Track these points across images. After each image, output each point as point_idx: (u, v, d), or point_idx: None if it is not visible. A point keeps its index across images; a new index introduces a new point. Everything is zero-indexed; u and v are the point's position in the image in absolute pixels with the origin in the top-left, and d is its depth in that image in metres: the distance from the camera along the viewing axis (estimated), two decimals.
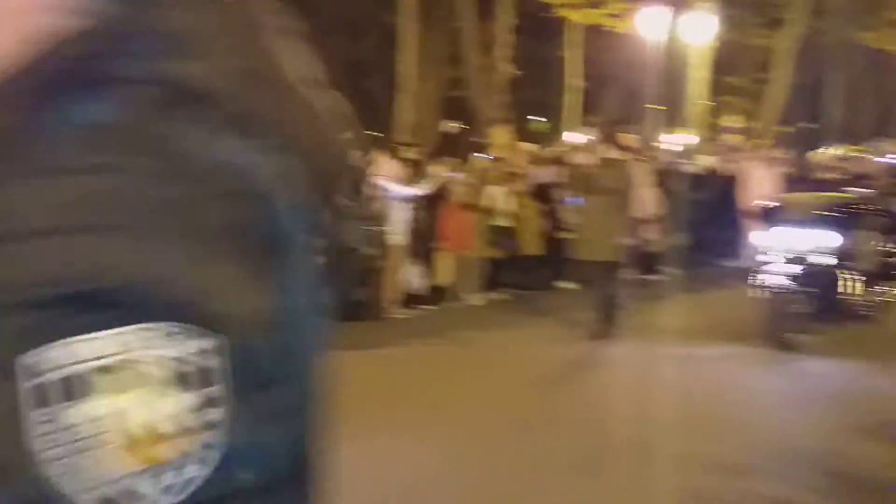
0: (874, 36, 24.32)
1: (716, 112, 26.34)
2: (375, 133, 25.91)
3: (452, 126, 25.62)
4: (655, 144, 18.16)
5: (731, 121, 21.95)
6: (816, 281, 8.40)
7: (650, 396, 6.32)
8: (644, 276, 12.95)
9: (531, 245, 11.91)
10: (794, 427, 5.83)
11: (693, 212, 13.25)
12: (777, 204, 10.23)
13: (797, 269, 8.50)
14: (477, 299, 11.24)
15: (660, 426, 5.72)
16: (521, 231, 11.84)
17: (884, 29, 24.15)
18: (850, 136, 24.45)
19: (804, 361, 7.83)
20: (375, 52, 31.59)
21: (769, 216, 9.64)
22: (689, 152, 17.77)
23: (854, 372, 7.46)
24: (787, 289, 8.40)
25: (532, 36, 27.42)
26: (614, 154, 9.72)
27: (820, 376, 7.53)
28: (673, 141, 21.86)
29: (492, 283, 11.61)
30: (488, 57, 21.80)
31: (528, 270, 12.36)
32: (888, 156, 16.57)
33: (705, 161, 15.36)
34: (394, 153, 11.51)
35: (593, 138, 12.61)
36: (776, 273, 8.58)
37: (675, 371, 7.21)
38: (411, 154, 11.80)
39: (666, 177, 13.03)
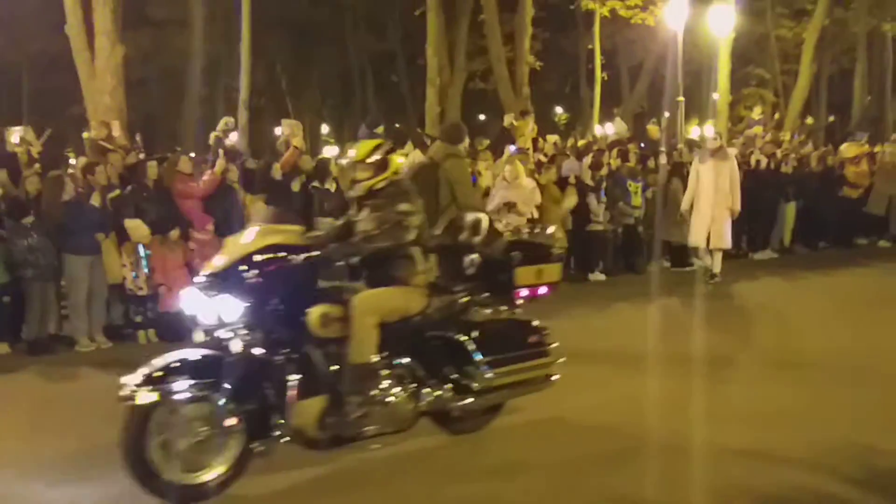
0: None
1: (738, 104, 26.28)
2: (403, 125, 26.01)
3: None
4: (681, 136, 18.19)
5: (754, 113, 21.90)
6: None
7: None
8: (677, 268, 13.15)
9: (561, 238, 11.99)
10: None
11: None
12: None
13: None
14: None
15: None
16: (548, 224, 11.91)
17: None
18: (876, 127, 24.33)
19: None
20: (401, 45, 31.79)
21: None
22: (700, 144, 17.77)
23: None
24: None
25: (556, 28, 27.47)
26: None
27: None
28: (695, 133, 21.86)
29: None
30: (512, 49, 21.85)
31: None
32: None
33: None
34: (423, 145, 11.63)
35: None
36: None
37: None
38: None
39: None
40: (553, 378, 5.52)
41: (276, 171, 9.93)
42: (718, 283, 11.65)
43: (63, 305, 9.22)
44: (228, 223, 9.21)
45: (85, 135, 11.69)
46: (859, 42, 26.66)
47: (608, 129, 17.58)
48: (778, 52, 27.82)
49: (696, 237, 11.78)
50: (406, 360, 5.07)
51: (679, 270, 13.03)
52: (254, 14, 19.40)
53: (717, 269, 11.80)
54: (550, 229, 6.11)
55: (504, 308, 5.56)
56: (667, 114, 19.57)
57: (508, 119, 13.30)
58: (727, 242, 11.81)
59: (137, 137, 12.22)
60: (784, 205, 14.93)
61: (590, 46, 26.14)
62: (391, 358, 4.98)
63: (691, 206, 11.73)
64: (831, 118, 30.49)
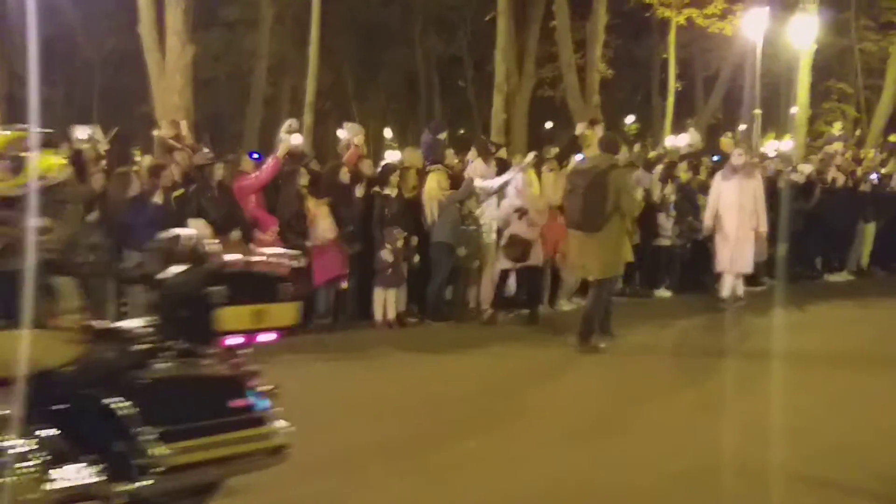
0: None
1: (818, 119, 25.43)
2: (467, 131, 25.83)
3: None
4: (760, 151, 17.62)
5: (834, 128, 21.17)
6: None
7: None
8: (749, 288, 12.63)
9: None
10: None
11: (795, 222, 12.80)
12: None
13: None
14: (571, 304, 11.06)
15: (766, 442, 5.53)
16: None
17: None
18: None
19: None
20: (469, 50, 31.66)
21: None
22: (788, 159, 17.19)
23: None
24: None
25: (629, 36, 26.99)
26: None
27: None
28: (772, 147, 21.21)
29: (585, 290, 11.39)
30: (583, 57, 21.52)
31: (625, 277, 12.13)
32: None
33: (805, 169, 14.80)
34: (486, 152, 11.40)
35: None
36: None
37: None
38: (503, 153, 11.68)
39: (770, 185, 12.61)
40: (283, 452, 3.99)
41: (344, 175, 9.82)
42: (743, 306, 10.99)
43: (123, 303, 9.26)
44: (293, 226, 9.24)
45: (155, 133, 11.78)
46: None
47: (681, 140, 17.09)
48: (862, 66, 26.84)
49: (720, 261, 11.11)
50: (48, 430, 3.70)
51: (750, 290, 12.52)
52: (323, 16, 19.42)
53: (739, 291, 11.15)
54: (291, 256, 4.74)
55: (209, 360, 4.07)
56: (743, 126, 19.04)
57: (580, 128, 12.96)
58: (750, 266, 11.16)
59: (207, 138, 12.29)
60: (863, 225, 14.30)
61: (664, 55, 25.59)
62: (28, 425, 3.60)
63: (714, 227, 11.07)
64: None
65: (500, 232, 10.19)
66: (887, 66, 23.84)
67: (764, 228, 10.99)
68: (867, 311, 11.60)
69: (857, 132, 23.07)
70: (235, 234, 8.93)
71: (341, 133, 11.35)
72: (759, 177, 11.30)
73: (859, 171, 14.89)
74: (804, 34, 19.53)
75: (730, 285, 11.05)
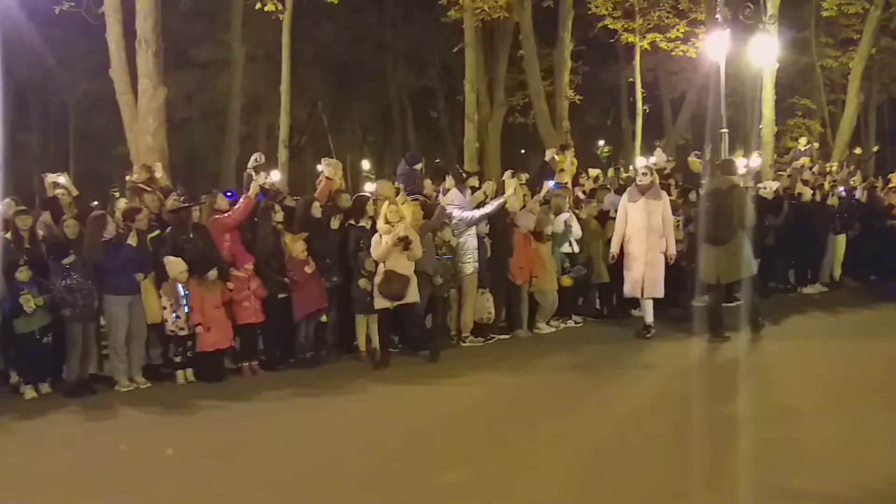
0: None
1: (784, 135, 25.88)
2: (442, 161, 26.06)
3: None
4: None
5: (800, 143, 21.52)
6: None
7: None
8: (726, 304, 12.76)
9: (602, 272, 11.81)
10: None
11: (766, 238, 13.02)
12: None
13: None
14: (549, 328, 11.18)
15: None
16: (591, 258, 11.76)
17: None
18: None
19: None
20: (441, 81, 32.00)
21: None
22: (755, 176, 17.47)
23: None
24: None
25: (597, 62, 27.41)
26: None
27: None
28: (741, 164, 21.52)
29: (565, 311, 11.54)
30: (551, 84, 21.81)
31: (601, 299, 12.30)
32: None
33: (773, 185, 15.06)
34: (461, 181, 11.55)
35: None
36: None
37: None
38: (477, 182, 11.83)
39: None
40: None
41: (316, 209, 9.92)
42: (655, 335, 10.43)
43: (104, 345, 9.29)
44: (270, 262, 9.33)
45: (127, 177, 11.83)
46: None
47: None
48: (824, 82, 27.39)
49: (630, 286, 10.56)
50: None
51: (728, 305, 12.68)
52: (295, 53, 19.65)
53: (648, 318, 10.56)
54: None
55: None
56: (710, 145, 19.32)
57: (550, 154, 13.17)
58: (660, 290, 10.52)
59: (179, 181, 12.33)
60: (833, 237, 14.56)
61: (630, 79, 26.01)
62: None
63: (621, 251, 10.59)
64: (876, 147, 29.88)
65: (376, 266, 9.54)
66: (848, 81, 24.34)
67: (672, 252, 10.52)
68: (837, 318, 11.80)
69: (815, 146, 23.35)
70: (212, 273, 9.01)
71: (320, 167, 11.46)
72: (665, 197, 10.76)
73: (826, 185, 15.18)
74: (766, 53, 19.91)
75: (650, 310, 10.56)
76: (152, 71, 13.44)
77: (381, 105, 33.88)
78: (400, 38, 31.04)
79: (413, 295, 9.47)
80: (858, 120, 25.13)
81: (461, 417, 7.21)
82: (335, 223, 9.89)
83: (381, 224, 9.53)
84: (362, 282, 9.64)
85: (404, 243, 9.31)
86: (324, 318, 9.84)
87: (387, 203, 9.64)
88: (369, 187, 20.27)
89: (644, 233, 10.35)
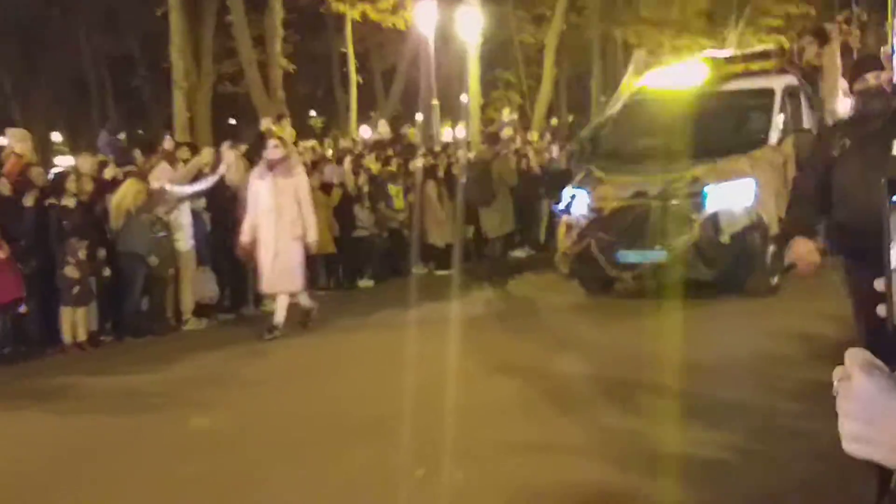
0: (628, 32, 26.07)
1: (489, 106, 27.21)
2: (147, 133, 24.47)
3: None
4: (437, 138, 18.46)
5: (504, 115, 22.73)
6: None
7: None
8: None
9: (325, 244, 11.66)
10: None
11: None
12: None
13: None
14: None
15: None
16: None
17: (635, 26, 25.94)
18: None
19: None
20: (141, 48, 29.90)
21: None
22: (463, 145, 18.21)
23: None
24: None
25: (306, 31, 27.05)
26: None
27: None
28: (449, 134, 22.36)
29: None
30: (263, 52, 21.17)
31: (327, 270, 12.18)
32: None
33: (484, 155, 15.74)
34: (170, 154, 10.86)
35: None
36: None
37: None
38: (189, 153, 11.17)
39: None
40: None
41: (5, 186, 8.82)
42: (278, 337, 8.79)
43: None
44: None
45: None
46: (593, 46, 28.48)
47: (372, 132, 17.48)
48: (522, 56, 29.10)
49: (263, 280, 8.96)
50: None
51: (443, 273, 13.10)
52: None
53: (278, 317, 8.86)
54: None
55: None
56: (421, 116, 19.82)
57: (266, 123, 12.76)
58: (297, 284, 8.92)
59: None
60: (545, 203, 15.49)
61: (342, 50, 25.98)
62: None
63: (254, 238, 8.80)
64: (570, 118, 32.46)
65: None
66: (544, 55, 26.05)
67: (313, 238, 8.93)
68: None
69: (517, 116, 24.81)
70: None
71: (3, 140, 10.23)
72: (301, 174, 9.17)
73: (531, 153, 16.12)
74: (470, 27, 20.74)
75: (283, 307, 8.93)
76: None
77: (75, 73, 31.20)
78: (93, 2, 28.58)
79: None
80: (553, 92, 26.96)
81: (194, 402, 6.77)
82: (29, 200, 8.87)
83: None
84: (69, 269, 8.73)
85: None
86: (23, 310, 8.80)
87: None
88: (64, 161, 18.56)
89: (273, 216, 8.68)
